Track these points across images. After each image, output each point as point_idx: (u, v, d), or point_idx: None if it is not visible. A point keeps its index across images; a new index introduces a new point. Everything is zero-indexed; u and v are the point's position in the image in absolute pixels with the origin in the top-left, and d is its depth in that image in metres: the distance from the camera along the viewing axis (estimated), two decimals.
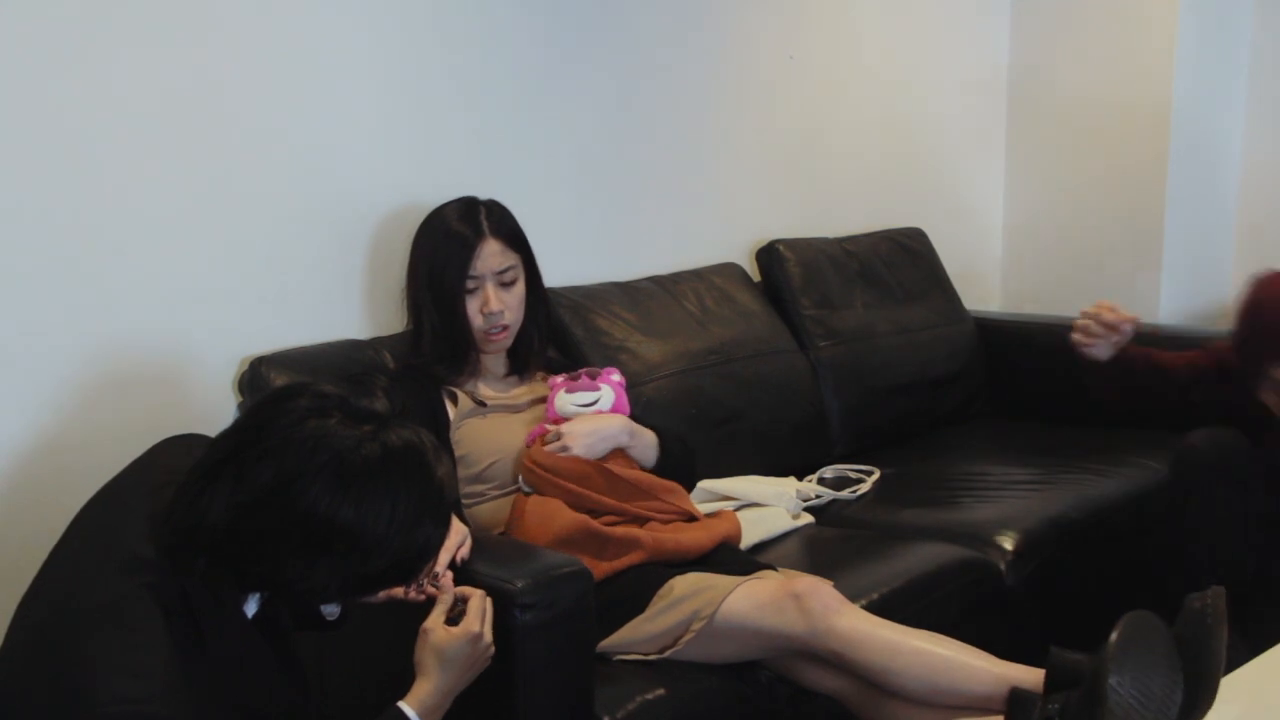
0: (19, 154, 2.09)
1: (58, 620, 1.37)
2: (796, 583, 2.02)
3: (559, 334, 2.71)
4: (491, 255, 2.29)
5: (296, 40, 2.42)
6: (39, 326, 2.13)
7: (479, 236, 2.28)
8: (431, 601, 1.78)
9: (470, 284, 2.28)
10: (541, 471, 2.20)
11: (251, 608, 1.49)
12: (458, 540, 1.90)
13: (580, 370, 2.39)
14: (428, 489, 1.42)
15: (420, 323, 2.33)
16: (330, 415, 1.40)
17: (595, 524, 2.16)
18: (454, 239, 2.28)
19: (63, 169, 2.13)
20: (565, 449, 2.22)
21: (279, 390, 1.48)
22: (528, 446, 2.28)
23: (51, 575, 1.46)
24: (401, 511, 1.39)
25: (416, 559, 1.45)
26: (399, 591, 1.79)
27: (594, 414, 2.30)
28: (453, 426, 2.28)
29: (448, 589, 1.75)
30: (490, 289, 2.29)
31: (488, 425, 2.30)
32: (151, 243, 2.25)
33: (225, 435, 1.45)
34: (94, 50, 2.15)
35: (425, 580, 1.79)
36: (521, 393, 2.40)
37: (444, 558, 1.83)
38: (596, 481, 2.21)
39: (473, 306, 2.29)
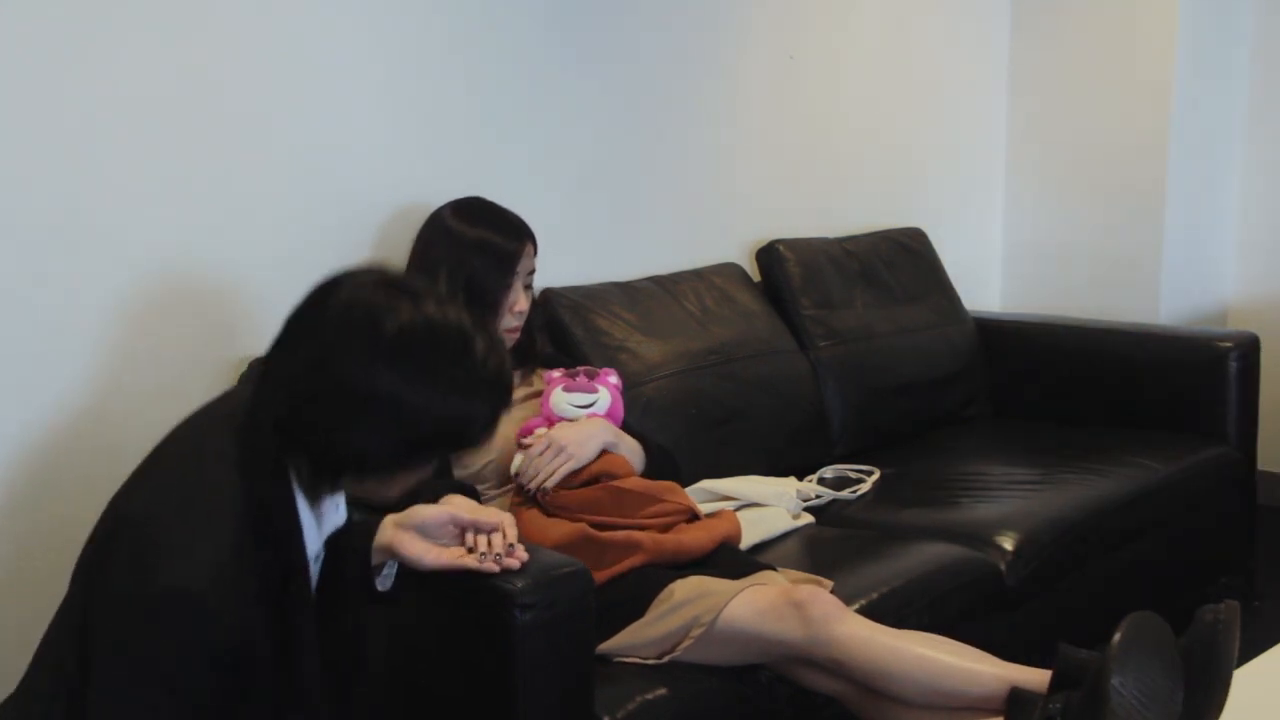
0: (18, 155, 2.08)
1: (143, 509, 1.45)
2: (797, 591, 2.01)
3: (559, 334, 2.72)
4: (527, 257, 2.30)
5: (296, 40, 2.42)
6: (38, 330, 2.13)
7: (520, 241, 2.28)
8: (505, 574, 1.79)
9: (509, 280, 2.28)
10: (545, 519, 2.19)
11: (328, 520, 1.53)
12: (510, 520, 1.89)
13: (579, 368, 2.39)
14: (466, 361, 1.43)
15: None
16: (367, 286, 1.43)
17: (592, 531, 2.15)
18: (495, 249, 2.27)
19: (63, 170, 2.13)
20: (561, 451, 2.21)
21: (328, 275, 1.50)
22: (519, 441, 2.27)
23: (140, 476, 1.52)
24: (443, 381, 1.42)
25: (463, 428, 1.46)
26: (471, 561, 1.77)
27: (576, 420, 2.29)
28: None
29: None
30: (520, 289, 2.30)
31: None
32: (152, 244, 2.25)
33: (282, 327, 1.49)
34: (94, 50, 2.15)
35: (503, 553, 1.79)
36: (515, 390, 2.40)
37: (510, 533, 1.83)
38: (605, 504, 2.21)
39: (503, 307, 2.29)
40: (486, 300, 2.26)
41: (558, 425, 2.29)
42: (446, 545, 1.79)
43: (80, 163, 2.15)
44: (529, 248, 2.30)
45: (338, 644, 1.58)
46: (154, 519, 1.43)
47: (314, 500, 1.49)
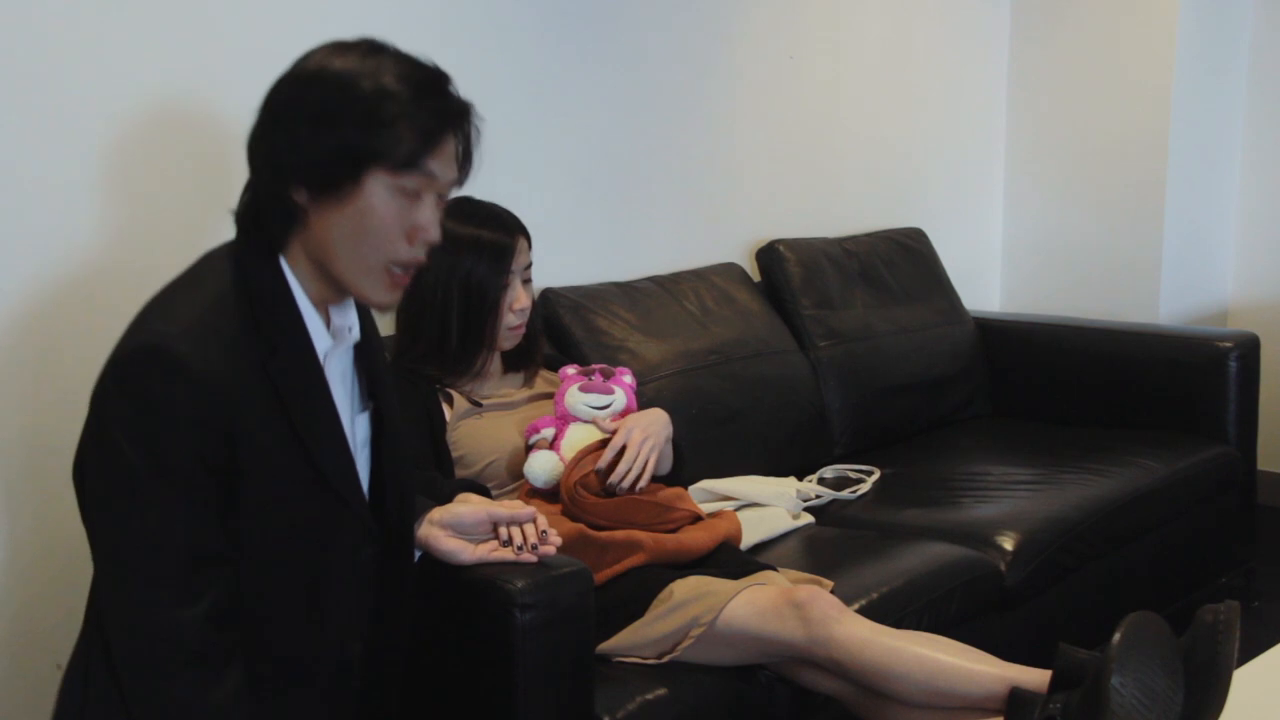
0: (17, 161, 2.08)
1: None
2: (797, 591, 2.01)
3: (559, 334, 2.72)
4: (522, 252, 2.29)
5: (297, 42, 2.41)
6: (40, 343, 2.13)
7: (512, 236, 2.27)
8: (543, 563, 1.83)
9: (506, 280, 2.28)
10: (577, 512, 2.18)
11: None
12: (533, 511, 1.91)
13: (594, 367, 2.37)
14: (349, 92, 1.52)
15: (435, 332, 2.28)
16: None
17: (592, 532, 2.15)
18: (488, 247, 2.25)
19: (67, 175, 2.13)
20: (645, 442, 2.21)
21: None
22: (526, 440, 2.27)
23: None
24: (334, 66, 1.55)
25: (368, 104, 1.51)
26: (509, 554, 1.82)
27: (637, 414, 2.30)
28: (449, 428, 2.27)
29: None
30: (519, 285, 2.29)
31: (484, 425, 2.30)
32: (153, 249, 2.24)
33: None
34: (95, 52, 2.14)
35: (538, 541, 1.83)
36: (518, 391, 2.40)
37: (542, 522, 1.87)
38: (628, 515, 2.20)
39: (503, 305, 2.28)
40: (486, 299, 2.25)
41: (629, 417, 2.28)
42: (481, 540, 1.84)
43: (83, 169, 2.15)
44: (522, 242, 2.29)
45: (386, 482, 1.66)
46: (144, 308, 1.52)
47: (280, 245, 1.55)
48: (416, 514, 1.81)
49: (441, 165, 1.56)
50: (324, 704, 1.61)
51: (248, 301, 1.51)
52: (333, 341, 1.59)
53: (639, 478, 2.20)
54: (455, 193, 1.66)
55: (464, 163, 1.63)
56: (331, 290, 1.57)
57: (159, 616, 1.43)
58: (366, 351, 1.69)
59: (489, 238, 2.26)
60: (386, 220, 1.52)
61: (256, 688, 1.50)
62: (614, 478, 2.19)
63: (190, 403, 1.42)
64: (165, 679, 1.43)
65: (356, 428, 1.64)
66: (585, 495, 2.17)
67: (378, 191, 1.51)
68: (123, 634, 1.45)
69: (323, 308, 1.59)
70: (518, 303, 2.28)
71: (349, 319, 1.63)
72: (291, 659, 1.56)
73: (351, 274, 1.54)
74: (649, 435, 2.24)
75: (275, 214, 1.54)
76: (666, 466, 2.34)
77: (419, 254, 1.56)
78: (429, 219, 1.55)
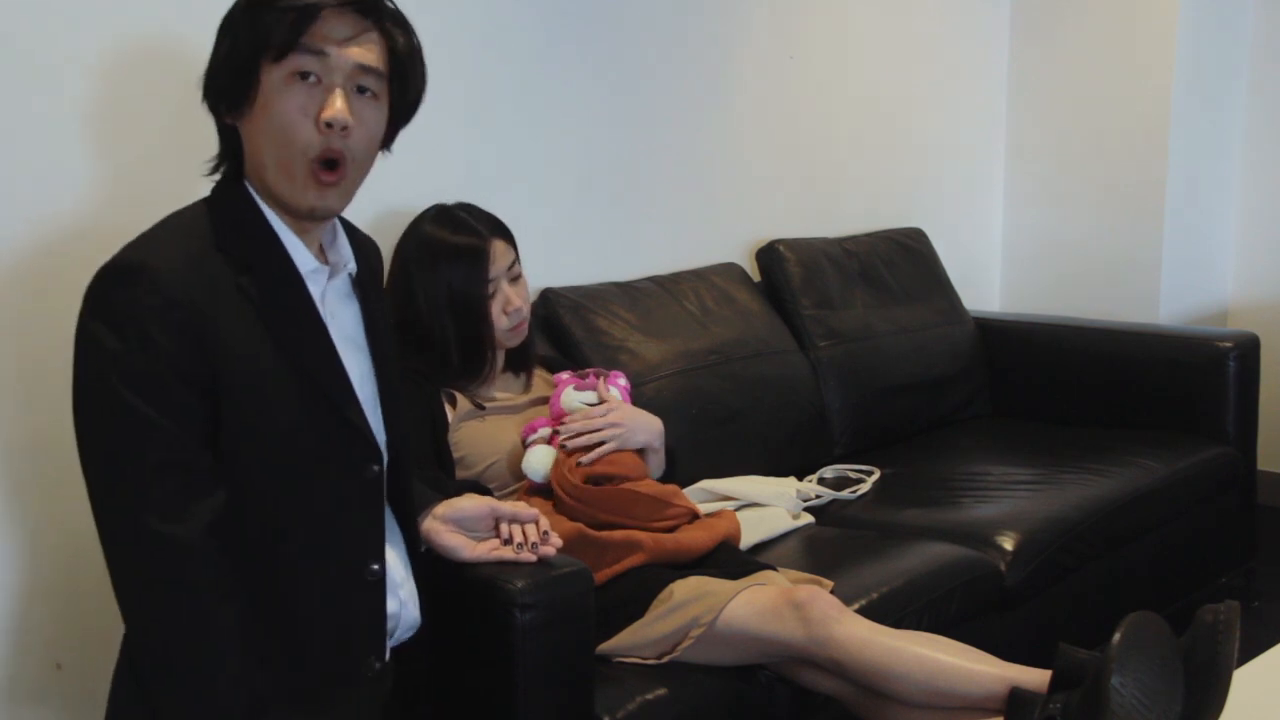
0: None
1: None
2: (797, 591, 2.01)
3: (559, 334, 2.72)
4: (499, 255, 2.28)
5: None
6: (41, 342, 2.13)
7: (485, 240, 2.27)
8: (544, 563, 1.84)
9: (489, 289, 2.28)
10: (570, 501, 2.19)
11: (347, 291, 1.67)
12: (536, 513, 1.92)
13: (588, 370, 2.39)
14: (239, 4, 1.55)
15: (436, 346, 2.27)
16: None
17: (591, 532, 2.15)
18: (463, 254, 2.25)
19: (73, 178, 2.13)
20: (614, 426, 2.23)
21: None
22: (523, 439, 2.28)
23: None
24: (222, 24, 1.57)
25: (239, 59, 1.54)
26: (509, 552, 1.82)
27: (633, 407, 2.32)
28: (451, 429, 2.27)
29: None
30: (507, 287, 2.29)
31: (486, 427, 2.30)
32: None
33: None
34: (92, 58, 2.14)
35: (539, 541, 1.84)
36: (520, 394, 2.40)
37: (544, 523, 1.88)
38: (620, 507, 2.20)
39: (495, 309, 2.28)
40: (473, 307, 2.25)
41: (622, 403, 2.30)
42: (483, 537, 1.85)
43: (85, 174, 2.15)
44: (497, 245, 2.28)
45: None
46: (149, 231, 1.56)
47: (242, 175, 1.58)
48: (420, 504, 1.81)
49: (332, 44, 1.53)
50: (363, 638, 1.62)
51: (217, 227, 1.54)
52: (321, 268, 1.61)
53: (587, 449, 2.21)
54: (409, 114, 1.67)
55: (398, 58, 1.60)
56: (290, 214, 1.59)
57: (142, 529, 1.43)
58: (368, 295, 1.71)
59: (463, 244, 2.26)
60: (290, 110, 1.52)
61: (292, 630, 1.53)
62: (564, 433, 2.21)
63: (159, 309, 1.44)
64: (150, 594, 1.44)
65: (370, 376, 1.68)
66: (575, 482, 2.18)
67: (274, 85, 1.52)
68: (112, 548, 1.46)
69: (309, 240, 1.61)
70: (509, 305, 2.28)
71: (343, 255, 1.66)
72: (319, 584, 1.56)
73: (278, 180, 1.55)
74: (624, 421, 2.25)
75: (223, 145, 1.60)
76: (658, 472, 2.34)
77: (333, 142, 1.54)
78: (332, 100, 1.53)
